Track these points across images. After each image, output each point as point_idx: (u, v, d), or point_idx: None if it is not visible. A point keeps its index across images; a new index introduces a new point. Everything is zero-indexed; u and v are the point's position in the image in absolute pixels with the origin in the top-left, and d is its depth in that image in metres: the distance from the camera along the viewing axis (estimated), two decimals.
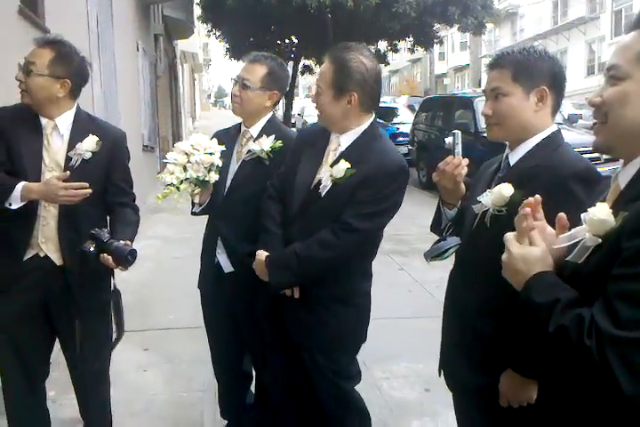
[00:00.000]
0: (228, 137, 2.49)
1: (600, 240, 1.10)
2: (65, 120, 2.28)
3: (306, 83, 60.63)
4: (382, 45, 17.85)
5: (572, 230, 1.17)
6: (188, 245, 5.70)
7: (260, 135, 2.41)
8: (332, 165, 2.06)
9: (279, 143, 2.36)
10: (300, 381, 2.24)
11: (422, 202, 8.19)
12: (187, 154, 2.31)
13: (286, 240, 2.14)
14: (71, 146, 2.25)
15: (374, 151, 2.07)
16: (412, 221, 6.82)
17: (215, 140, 2.39)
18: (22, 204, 2.14)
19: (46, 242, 2.25)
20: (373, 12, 13.83)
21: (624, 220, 1.05)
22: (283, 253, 2.11)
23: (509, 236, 1.23)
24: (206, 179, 2.33)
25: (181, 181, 2.30)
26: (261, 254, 2.14)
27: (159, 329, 4.03)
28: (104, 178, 2.29)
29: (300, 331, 2.16)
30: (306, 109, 21.07)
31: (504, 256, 1.22)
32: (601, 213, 1.09)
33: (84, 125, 2.29)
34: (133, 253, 2.11)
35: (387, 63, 18.33)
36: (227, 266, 2.44)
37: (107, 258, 2.10)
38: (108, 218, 2.39)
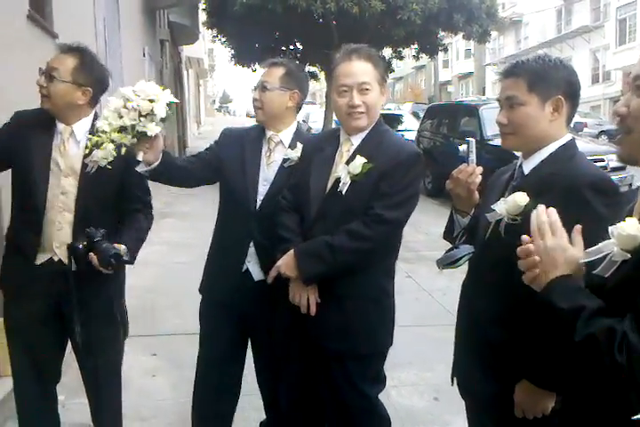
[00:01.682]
0: (248, 138, 2.44)
1: (629, 255, 1.10)
2: (82, 127, 2.29)
3: (310, 89, 60.74)
4: (387, 52, 17.90)
5: (600, 244, 1.16)
6: (192, 251, 5.71)
7: (293, 143, 2.39)
8: (347, 163, 2.10)
9: None
10: (315, 392, 2.22)
11: (428, 209, 8.18)
12: (127, 100, 2.01)
13: None
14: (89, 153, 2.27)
15: (387, 144, 2.14)
16: (419, 228, 6.82)
17: (168, 90, 2.11)
18: None
19: (60, 246, 2.26)
20: (378, 19, 13.86)
21: None
22: (312, 243, 2.10)
23: (545, 224, 1.19)
24: (144, 129, 2.01)
25: (115, 130, 2.00)
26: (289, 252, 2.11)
27: (167, 334, 4.04)
28: (119, 185, 2.29)
29: (330, 333, 2.12)
30: (311, 116, 21.09)
31: (547, 243, 1.17)
32: (630, 229, 1.09)
33: None
34: (117, 257, 2.10)
35: (391, 70, 18.37)
36: (258, 274, 2.36)
37: (92, 257, 2.10)
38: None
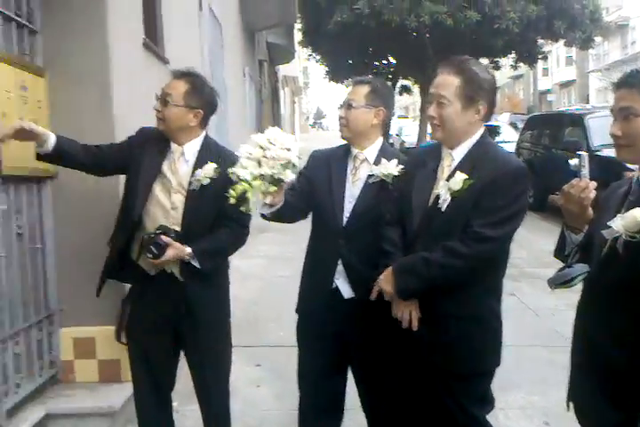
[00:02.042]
0: (335, 157, 2.50)
1: None
2: (192, 147, 2.44)
3: (403, 103, 60.59)
4: (483, 63, 17.58)
5: None
6: (292, 265, 5.82)
7: (378, 159, 2.41)
8: (447, 179, 2.08)
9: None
10: (418, 411, 2.21)
11: (531, 224, 7.87)
12: (262, 148, 2.09)
13: None
14: (194, 171, 2.41)
15: (490, 158, 2.09)
16: (521, 244, 6.58)
17: (293, 136, 2.20)
18: None
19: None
20: (474, 29, 13.66)
21: None
22: (411, 258, 2.11)
23: None
24: (281, 177, 2.10)
25: (255, 178, 2.07)
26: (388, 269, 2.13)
27: (270, 346, 4.15)
28: (220, 203, 2.33)
29: (434, 352, 2.12)
30: (404, 129, 21.04)
31: None
32: None
33: (208, 153, 2.45)
34: (157, 245, 2.29)
35: None
36: (347, 292, 2.39)
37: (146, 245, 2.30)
38: None
